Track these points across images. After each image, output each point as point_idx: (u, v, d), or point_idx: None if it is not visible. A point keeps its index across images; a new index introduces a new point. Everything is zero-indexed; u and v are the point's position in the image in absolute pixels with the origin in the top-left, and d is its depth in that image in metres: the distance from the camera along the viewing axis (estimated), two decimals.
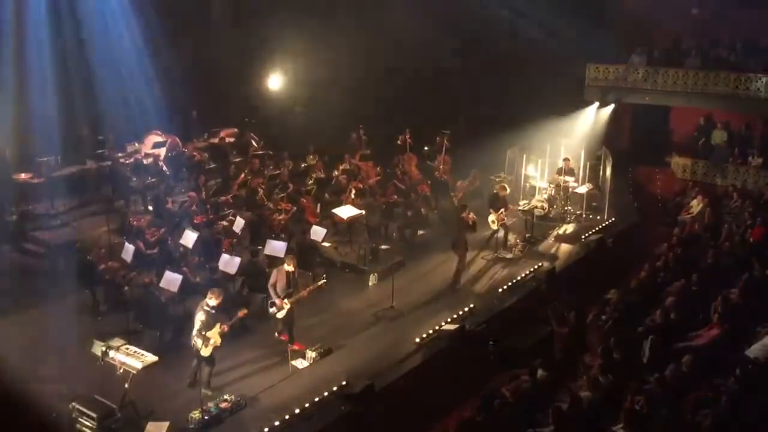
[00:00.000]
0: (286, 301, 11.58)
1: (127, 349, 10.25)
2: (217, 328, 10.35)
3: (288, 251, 13.54)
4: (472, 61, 21.40)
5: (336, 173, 18.37)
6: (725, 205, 18.84)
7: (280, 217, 15.80)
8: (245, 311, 10.97)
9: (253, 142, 20.20)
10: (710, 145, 21.47)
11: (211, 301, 10.35)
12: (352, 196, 16.85)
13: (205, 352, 10.32)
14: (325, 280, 12.27)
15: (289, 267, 11.72)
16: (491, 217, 15.77)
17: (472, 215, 14.62)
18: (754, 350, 10.94)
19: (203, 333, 10.25)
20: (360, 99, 20.41)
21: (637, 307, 13.16)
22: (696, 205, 18.51)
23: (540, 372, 10.63)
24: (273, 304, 11.67)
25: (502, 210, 15.68)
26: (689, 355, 10.40)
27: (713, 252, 15.27)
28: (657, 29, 22.42)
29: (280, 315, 11.68)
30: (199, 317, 10.32)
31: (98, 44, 17.92)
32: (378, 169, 19.15)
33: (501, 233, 16.13)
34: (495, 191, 16.39)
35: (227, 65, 20.04)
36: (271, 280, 11.76)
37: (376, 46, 20.62)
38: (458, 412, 10.59)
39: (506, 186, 16.52)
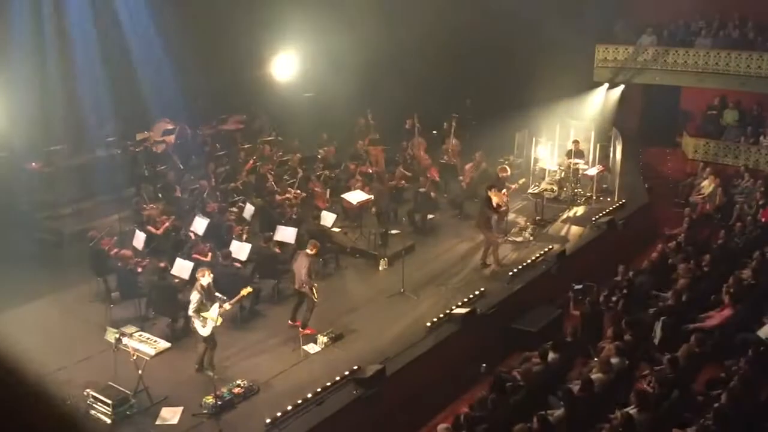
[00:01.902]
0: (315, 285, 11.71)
1: (140, 336, 10.34)
2: (216, 308, 10.34)
3: (298, 237, 13.58)
4: (481, 43, 21.26)
5: (348, 164, 18.32)
6: (737, 186, 18.75)
7: (290, 204, 15.82)
8: (250, 289, 10.88)
9: (269, 129, 20.23)
10: (722, 125, 21.30)
11: (203, 279, 10.32)
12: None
13: (205, 332, 10.31)
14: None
15: (313, 251, 11.82)
16: (494, 199, 15.70)
17: (494, 193, 14.34)
18: (765, 331, 10.93)
19: (200, 314, 10.25)
20: (367, 83, 20.35)
21: (649, 289, 13.16)
22: (707, 185, 18.41)
23: (551, 354, 10.66)
24: (314, 289, 11.74)
25: (504, 191, 15.59)
26: (699, 334, 10.41)
27: (725, 232, 15.22)
28: (667, 8, 22.20)
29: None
30: (193, 298, 10.28)
31: (108, 33, 17.87)
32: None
33: (510, 216, 16.16)
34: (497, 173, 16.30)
35: (235, 51, 20.00)
36: (309, 270, 11.78)
37: (383, 30, 20.50)
38: (470, 395, 10.64)
39: (507, 167, 16.39)
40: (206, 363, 10.53)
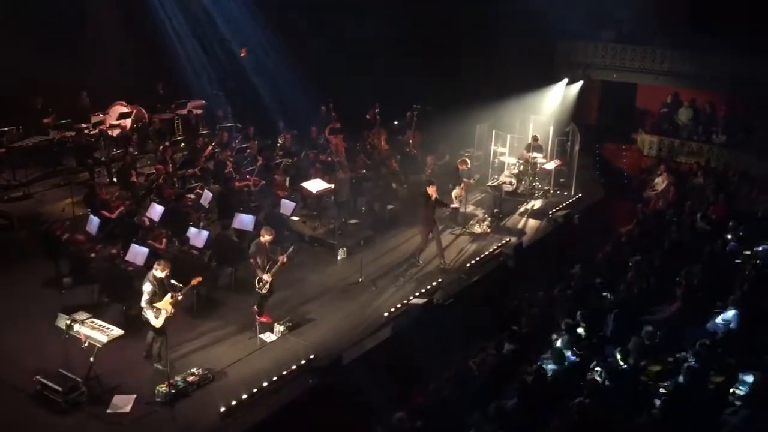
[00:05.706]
0: (268, 274, 11.46)
1: (92, 322, 10.14)
2: (168, 299, 10.21)
3: (257, 225, 13.45)
4: (442, 36, 21.26)
5: (307, 152, 18.19)
6: (689, 183, 19.16)
7: (248, 191, 15.68)
8: (199, 279, 10.73)
9: (228, 115, 19.96)
10: (676, 123, 21.75)
11: (158, 272, 10.14)
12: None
13: (157, 323, 10.18)
14: (293, 247, 12.13)
15: (266, 238, 11.59)
16: (454, 192, 15.81)
17: (433, 190, 13.98)
18: (714, 324, 11.22)
19: (153, 305, 10.12)
20: (328, 72, 20.24)
21: (602, 282, 13.38)
22: (661, 182, 18.79)
23: (506, 346, 10.78)
24: (260, 281, 11.44)
25: (462, 185, 15.68)
26: (650, 327, 10.63)
27: (676, 228, 15.57)
28: (625, 7, 22.48)
29: (266, 290, 11.52)
30: (146, 288, 10.12)
31: (63, 12, 17.39)
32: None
33: (465, 208, 16.29)
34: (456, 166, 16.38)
35: (196, 35, 19.73)
36: (252, 255, 11.57)
37: (342, 18, 20.40)
38: (425, 385, 10.70)
39: (467, 160, 16.47)
40: (155, 353, 10.41)
